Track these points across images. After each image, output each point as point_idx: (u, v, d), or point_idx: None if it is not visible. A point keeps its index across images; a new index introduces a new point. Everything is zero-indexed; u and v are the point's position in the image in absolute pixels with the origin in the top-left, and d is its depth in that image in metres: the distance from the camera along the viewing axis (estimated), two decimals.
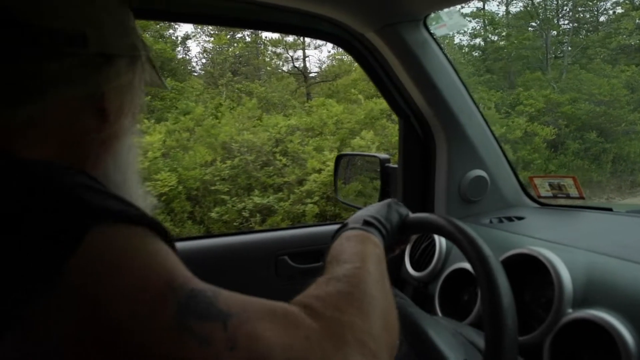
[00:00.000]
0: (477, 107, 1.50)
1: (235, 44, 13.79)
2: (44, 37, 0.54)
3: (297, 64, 13.99)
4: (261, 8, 1.29)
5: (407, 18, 1.27)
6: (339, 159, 1.94)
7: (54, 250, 0.40)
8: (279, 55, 14.05)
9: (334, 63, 14.08)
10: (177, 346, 0.40)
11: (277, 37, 13.22)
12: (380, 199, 1.68)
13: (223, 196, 8.16)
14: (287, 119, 9.63)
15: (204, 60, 14.37)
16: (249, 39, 13.87)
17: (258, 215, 7.99)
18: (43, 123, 0.56)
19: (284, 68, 14.13)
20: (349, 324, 0.49)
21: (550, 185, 1.59)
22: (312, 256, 1.50)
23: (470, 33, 16.04)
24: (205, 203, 8.29)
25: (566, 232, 1.30)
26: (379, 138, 8.54)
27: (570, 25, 16.12)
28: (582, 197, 1.53)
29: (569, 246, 1.12)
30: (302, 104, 11.73)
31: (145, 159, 7.84)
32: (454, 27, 1.40)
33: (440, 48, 1.39)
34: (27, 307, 0.39)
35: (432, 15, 1.32)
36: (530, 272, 1.08)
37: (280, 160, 8.48)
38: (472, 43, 16.30)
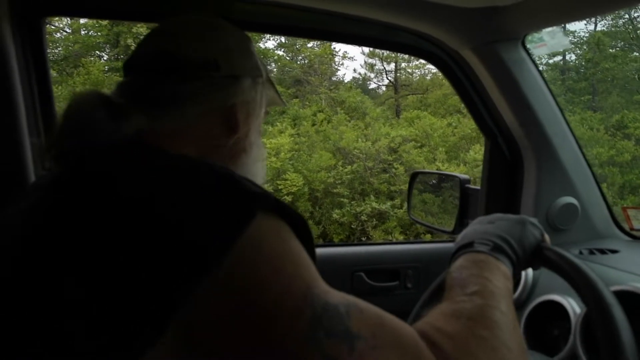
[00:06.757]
0: (571, 131, 1.42)
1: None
2: (187, 65, 0.65)
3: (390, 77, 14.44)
4: (353, 21, 1.28)
5: (506, 37, 1.23)
6: (414, 176, 1.90)
7: (221, 233, 0.42)
8: (371, 67, 14.48)
9: (425, 75, 14.09)
10: (302, 357, 0.40)
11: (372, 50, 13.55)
12: (458, 223, 1.62)
13: (342, 199, 8.58)
14: (397, 129, 9.87)
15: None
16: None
17: (374, 219, 8.29)
18: (185, 132, 0.63)
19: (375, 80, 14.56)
20: None
21: None
22: (388, 274, 1.47)
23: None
24: (325, 204, 8.74)
25: None
26: None
27: None
28: None
29: None
30: (386, 115, 11.90)
31: (277, 160, 8.52)
32: (555, 46, 1.34)
33: (537, 67, 1.33)
34: (189, 288, 0.40)
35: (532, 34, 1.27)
36: (632, 312, 1.00)
37: (397, 169, 8.63)
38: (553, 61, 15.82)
